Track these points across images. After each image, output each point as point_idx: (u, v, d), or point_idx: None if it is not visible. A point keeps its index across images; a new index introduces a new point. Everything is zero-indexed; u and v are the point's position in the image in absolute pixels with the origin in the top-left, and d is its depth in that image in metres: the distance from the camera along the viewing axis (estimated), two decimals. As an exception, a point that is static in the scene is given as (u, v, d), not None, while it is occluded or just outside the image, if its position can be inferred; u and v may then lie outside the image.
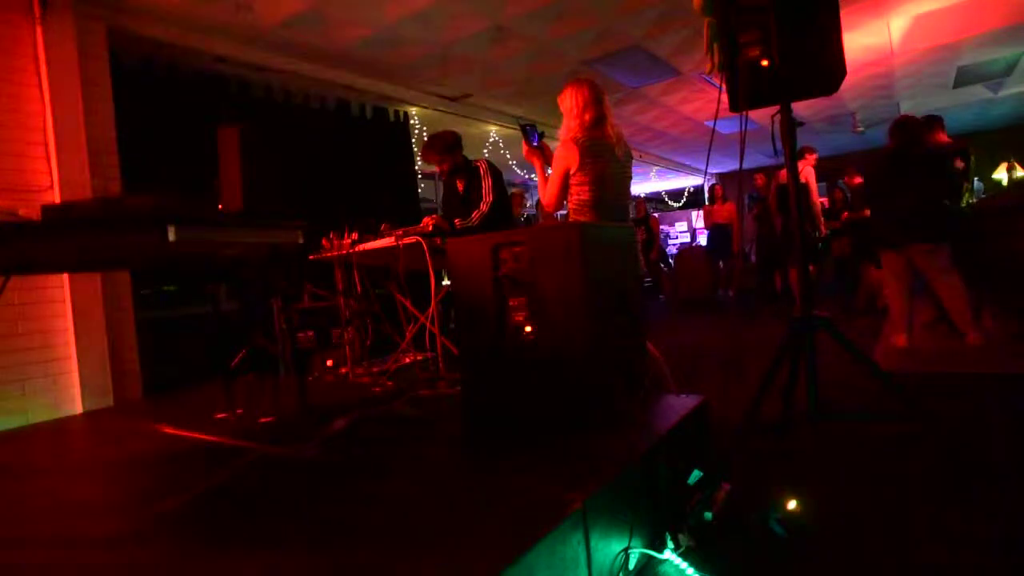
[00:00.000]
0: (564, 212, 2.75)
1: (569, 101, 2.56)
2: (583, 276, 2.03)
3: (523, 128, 2.77)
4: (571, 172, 2.51)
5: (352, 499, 1.63)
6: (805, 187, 5.92)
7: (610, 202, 2.55)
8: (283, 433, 2.37)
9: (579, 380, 2.05)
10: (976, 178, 5.00)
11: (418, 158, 6.36)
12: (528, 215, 9.20)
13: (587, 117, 2.52)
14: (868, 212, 5.41)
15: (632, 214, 2.77)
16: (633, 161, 2.76)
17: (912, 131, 4.09)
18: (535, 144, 2.76)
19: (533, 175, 10.12)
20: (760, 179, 7.65)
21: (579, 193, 2.53)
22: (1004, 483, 1.95)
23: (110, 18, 3.91)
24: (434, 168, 3.86)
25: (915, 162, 4.04)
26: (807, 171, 5.99)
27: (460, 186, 3.72)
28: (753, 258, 7.85)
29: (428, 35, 4.87)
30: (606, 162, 2.53)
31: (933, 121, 4.74)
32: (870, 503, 1.93)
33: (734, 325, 6.48)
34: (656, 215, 11.65)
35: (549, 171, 2.71)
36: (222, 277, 4.33)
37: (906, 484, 2.04)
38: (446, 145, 3.67)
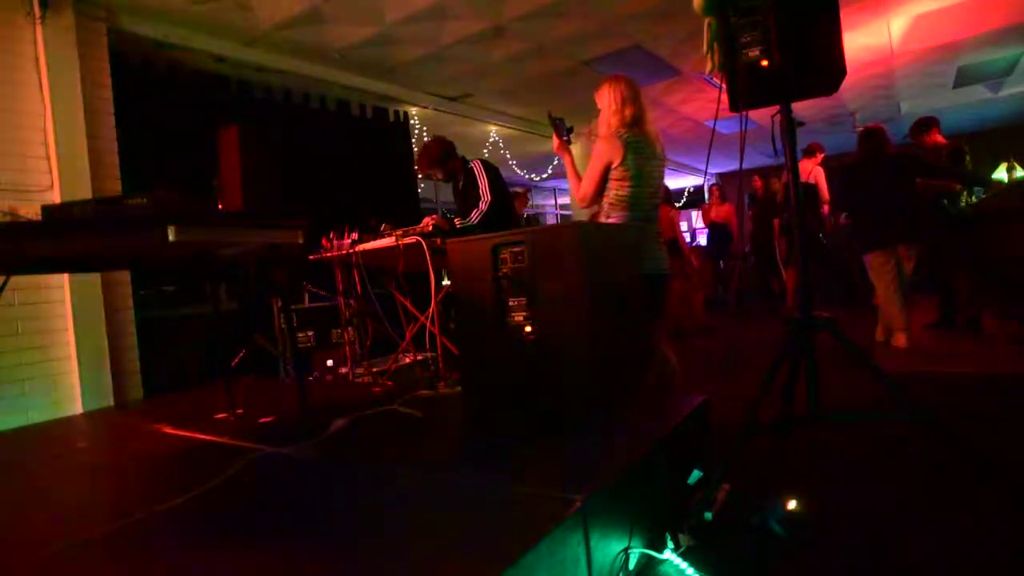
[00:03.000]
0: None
1: (608, 97, 2.54)
2: (583, 276, 2.03)
3: (553, 122, 2.68)
4: (613, 166, 2.48)
5: (351, 499, 1.63)
6: (815, 187, 5.94)
7: (646, 199, 2.53)
8: (283, 433, 2.37)
9: (579, 380, 2.05)
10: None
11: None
12: (529, 215, 9.18)
13: (627, 113, 2.50)
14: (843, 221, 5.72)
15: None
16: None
17: (878, 140, 4.31)
18: (565, 138, 2.69)
19: (534, 175, 10.16)
20: (758, 181, 7.59)
21: (618, 188, 2.50)
22: (1005, 483, 1.94)
23: (110, 18, 3.91)
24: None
25: (885, 167, 4.23)
26: (816, 171, 5.98)
27: (460, 186, 3.72)
28: (753, 259, 7.83)
29: (428, 35, 4.87)
30: (647, 159, 2.51)
31: (929, 122, 4.79)
32: (870, 503, 1.93)
33: (734, 325, 6.48)
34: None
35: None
36: (222, 277, 4.34)
37: (906, 484, 2.04)
38: (436, 158, 3.65)
